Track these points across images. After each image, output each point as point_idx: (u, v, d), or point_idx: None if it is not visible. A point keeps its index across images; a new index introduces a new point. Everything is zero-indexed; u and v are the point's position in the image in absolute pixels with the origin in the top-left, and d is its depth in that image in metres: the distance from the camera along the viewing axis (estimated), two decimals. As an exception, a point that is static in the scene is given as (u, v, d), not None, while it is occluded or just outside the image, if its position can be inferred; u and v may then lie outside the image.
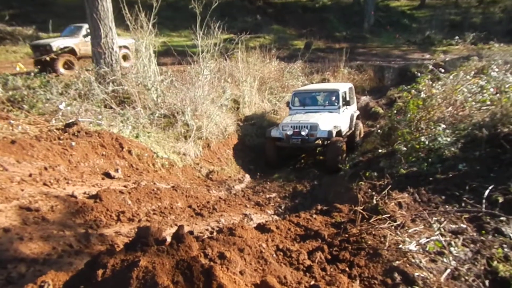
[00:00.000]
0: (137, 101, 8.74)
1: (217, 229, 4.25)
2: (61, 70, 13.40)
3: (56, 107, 7.67)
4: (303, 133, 9.07)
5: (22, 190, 4.22)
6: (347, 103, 10.28)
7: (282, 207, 6.41)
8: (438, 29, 25.57)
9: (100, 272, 2.06)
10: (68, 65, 13.68)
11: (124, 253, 2.16)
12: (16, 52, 17.75)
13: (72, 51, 14.23)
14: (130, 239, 3.53)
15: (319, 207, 5.32)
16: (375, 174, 6.34)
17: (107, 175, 5.63)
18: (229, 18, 18.06)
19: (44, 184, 4.55)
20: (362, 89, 16.95)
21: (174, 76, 10.56)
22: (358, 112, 11.50)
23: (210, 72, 10.53)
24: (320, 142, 9.19)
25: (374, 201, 4.57)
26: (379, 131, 9.57)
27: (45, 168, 4.98)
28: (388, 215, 4.05)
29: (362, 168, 7.37)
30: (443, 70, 8.76)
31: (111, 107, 8.41)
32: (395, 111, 9.25)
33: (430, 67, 8.95)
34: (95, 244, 3.31)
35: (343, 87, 10.59)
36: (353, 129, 10.52)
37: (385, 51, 22.94)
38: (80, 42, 14.63)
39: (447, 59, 17.42)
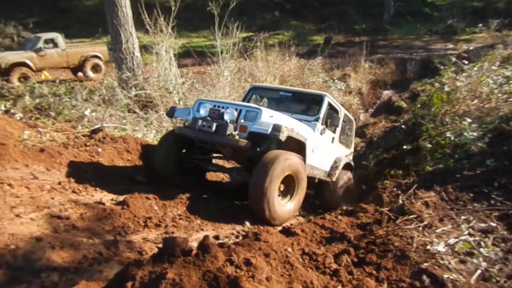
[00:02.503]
0: (159, 104, 8.85)
1: (243, 233, 4.28)
2: (16, 82, 12.51)
3: (81, 113, 7.83)
4: (226, 116, 5.09)
5: (53, 198, 4.35)
6: (332, 124, 6.50)
7: (307, 208, 6.38)
8: (460, 17, 24.91)
9: (129, 284, 2.11)
10: (24, 78, 13.17)
11: (151, 265, 2.21)
12: (41, 59, 18.19)
13: (25, 65, 13.99)
14: (158, 246, 3.61)
15: (344, 208, 5.31)
16: (400, 172, 6.28)
17: (133, 180, 5.73)
18: (248, 16, 18.07)
19: (73, 191, 4.68)
20: (384, 83, 16.73)
21: (194, 78, 10.65)
22: (350, 159, 7.42)
23: (230, 73, 10.57)
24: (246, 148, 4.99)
25: (400, 201, 4.52)
26: (403, 126, 9.45)
27: (73, 175, 5.11)
28: (415, 215, 4.00)
29: (386, 166, 7.31)
30: (466, 62, 8.56)
31: (135, 112, 8.55)
32: (419, 105, 9.13)
33: (453, 59, 8.77)
34: (124, 251, 3.38)
35: (335, 103, 6.81)
36: (333, 178, 6.50)
37: (407, 43, 22.52)
38: (34, 55, 14.35)
39: (471, 48, 16.99)
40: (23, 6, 23.98)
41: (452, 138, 6.25)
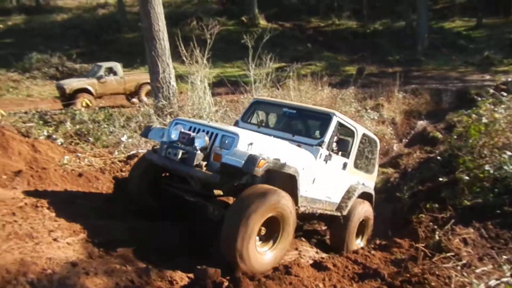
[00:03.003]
0: (193, 132, 9.02)
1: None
2: (80, 107, 13.39)
3: (118, 139, 8.11)
4: (197, 143, 4.38)
5: (89, 222, 4.46)
6: (341, 148, 5.35)
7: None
8: (497, 49, 24.42)
9: (162, 314, 2.11)
10: (87, 104, 14.09)
11: (184, 296, 2.21)
12: (82, 88, 19.07)
13: (87, 91, 15.04)
14: (188, 275, 3.61)
15: (377, 242, 5.16)
16: (436, 205, 6.08)
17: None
18: (281, 48, 18.41)
19: (109, 216, 4.79)
20: (418, 113, 16.45)
21: (228, 106, 10.83)
22: (370, 187, 6.45)
23: (263, 102, 10.68)
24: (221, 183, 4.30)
25: (437, 237, 4.37)
26: (438, 157, 9.21)
27: (109, 201, 5.24)
28: (452, 253, 3.85)
29: (421, 199, 7.08)
30: (505, 94, 8.33)
31: (169, 139, 8.74)
32: (455, 137, 8.92)
33: (491, 90, 8.55)
34: (155, 280, 3.40)
35: (349, 122, 5.76)
36: (344, 212, 5.55)
37: (442, 74, 22.19)
38: (96, 82, 15.46)
39: (509, 79, 16.55)
40: (70, 39, 25.44)
41: (491, 171, 6.02)
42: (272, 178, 4.47)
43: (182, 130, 4.59)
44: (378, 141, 6.62)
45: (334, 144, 5.22)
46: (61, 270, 3.26)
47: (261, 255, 4.03)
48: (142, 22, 10.05)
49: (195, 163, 4.21)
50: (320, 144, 5.01)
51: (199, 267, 3.11)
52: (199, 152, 4.26)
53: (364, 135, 6.02)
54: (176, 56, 10.76)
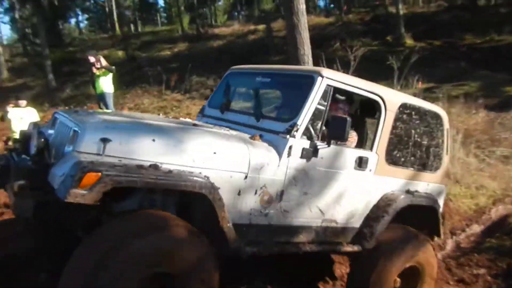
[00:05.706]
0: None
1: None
2: None
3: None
4: (33, 147, 2.75)
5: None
6: (333, 133, 3.02)
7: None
8: None
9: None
10: None
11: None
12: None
13: None
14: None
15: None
16: None
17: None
18: (429, 67, 17.38)
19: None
20: None
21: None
22: (431, 199, 3.92)
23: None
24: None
25: None
26: None
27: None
28: None
29: None
30: None
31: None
32: None
33: None
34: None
35: (361, 87, 3.43)
36: (368, 243, 3.44)
37: None
38: None
39: None
40: (224, 62, 28.00)
41: None
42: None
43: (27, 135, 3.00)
44: (443, 115, 4.17)
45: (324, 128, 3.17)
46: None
47: None
48: (288, 47, 10.59)
49: (11, 180, 2.66)
50: (289, 131, 2.99)
51: None
52: (16, 162, 2.76)
53: (404, 106, 3.69)
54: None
